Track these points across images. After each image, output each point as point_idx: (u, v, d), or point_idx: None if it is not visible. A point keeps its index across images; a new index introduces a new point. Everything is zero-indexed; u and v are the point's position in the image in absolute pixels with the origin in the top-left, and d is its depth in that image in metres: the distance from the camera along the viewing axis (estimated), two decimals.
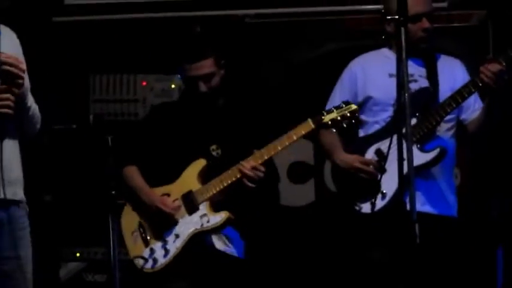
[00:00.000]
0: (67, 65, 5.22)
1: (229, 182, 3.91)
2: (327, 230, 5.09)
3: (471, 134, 4.09)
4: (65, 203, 5.06)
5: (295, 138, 3.86)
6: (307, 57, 5.31)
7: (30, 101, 3.12)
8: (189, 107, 4.11)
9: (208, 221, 3.91)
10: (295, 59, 5.32)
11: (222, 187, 3.93)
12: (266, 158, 3.89)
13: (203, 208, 3.94)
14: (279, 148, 3.88)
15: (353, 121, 3.89)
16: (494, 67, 3.74)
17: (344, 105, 3.85)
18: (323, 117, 3.84)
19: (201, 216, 3.92)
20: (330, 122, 3.83)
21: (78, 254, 5.02)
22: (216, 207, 3.96)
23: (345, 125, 3.88)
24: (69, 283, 4.99)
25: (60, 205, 5.05)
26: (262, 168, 3.88)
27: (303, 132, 3.85)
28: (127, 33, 5.24)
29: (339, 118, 3.83)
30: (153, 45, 5.19)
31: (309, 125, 3.84)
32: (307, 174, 5.29)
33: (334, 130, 3.95)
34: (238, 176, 3.89)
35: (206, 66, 3.98)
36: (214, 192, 3.94)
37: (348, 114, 3.83)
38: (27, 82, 3.06)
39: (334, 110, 3.84)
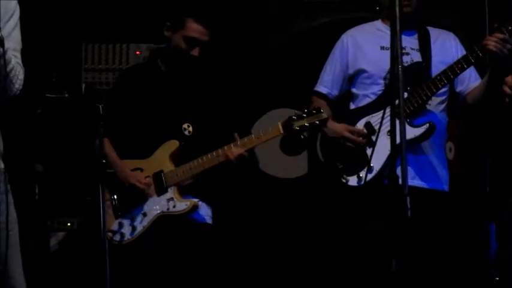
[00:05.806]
0: (60, 34, 5.18)
1: (207, 167, 3.97)
2: (320, 202, 5.09)
3: (469, 106, 4.07)
4: (56, 172, 5.05)
5: (263, 139, 3.96)
6: (301, 29, 5.29)
7: (13, 63, 2.96)
8: (174, 71, 4.12)
9: (174, 206, 3.99)
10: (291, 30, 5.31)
11: (196, 172, 3.99)
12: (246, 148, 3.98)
13: (171, 191, 4.02)
14: (255, 143, 3.98)
15: (322, 128, 3.99)
16: (499, 35, 3.73)
17: (315, 112, 3.90)
18: (293, 122, 3.91)
19: (168, 200, 4.01)
20: (298, 128, 3.90)
21: (68, 224, 5.02)
22: (184, 191, 4.04)
23: (313, 131, 4.02)
24: (59, 253, 5.00)
25: (51, 174, 5.03)
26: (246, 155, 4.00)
27: (272, 136, 3.96)
28: (120, 2, 5.20)
29: (307, 125, 3.90)
30: (147, 14, 5.15)
31: (278, 129, 3.94)
32: (301, 146, 5.29)
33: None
34: (222, 160, 3.95)
35: (208, 35, 4.03)
36: (184, 177, 4.02)
37: (317, 123, 3.90)
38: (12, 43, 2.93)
39: (305, 117, 3.90)
